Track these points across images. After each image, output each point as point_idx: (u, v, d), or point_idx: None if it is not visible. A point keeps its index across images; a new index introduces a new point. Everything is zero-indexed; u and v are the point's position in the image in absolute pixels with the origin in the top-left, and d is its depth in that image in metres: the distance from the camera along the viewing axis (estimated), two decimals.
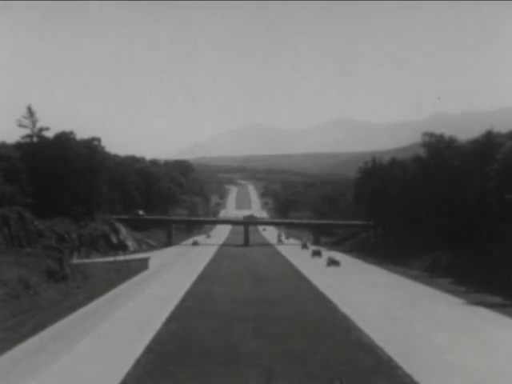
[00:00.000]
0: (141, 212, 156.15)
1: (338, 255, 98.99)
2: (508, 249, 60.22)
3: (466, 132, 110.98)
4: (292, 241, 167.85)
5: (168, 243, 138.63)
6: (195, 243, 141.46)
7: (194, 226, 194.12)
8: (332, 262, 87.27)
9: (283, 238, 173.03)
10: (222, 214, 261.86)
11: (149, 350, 30.86)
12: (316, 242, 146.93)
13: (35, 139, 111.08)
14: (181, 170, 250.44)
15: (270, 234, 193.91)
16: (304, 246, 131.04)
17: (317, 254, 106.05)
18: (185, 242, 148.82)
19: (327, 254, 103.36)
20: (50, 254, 65.28)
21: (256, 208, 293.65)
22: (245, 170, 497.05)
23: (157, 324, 38.21)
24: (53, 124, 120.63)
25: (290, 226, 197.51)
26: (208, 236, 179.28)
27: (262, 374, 26.01)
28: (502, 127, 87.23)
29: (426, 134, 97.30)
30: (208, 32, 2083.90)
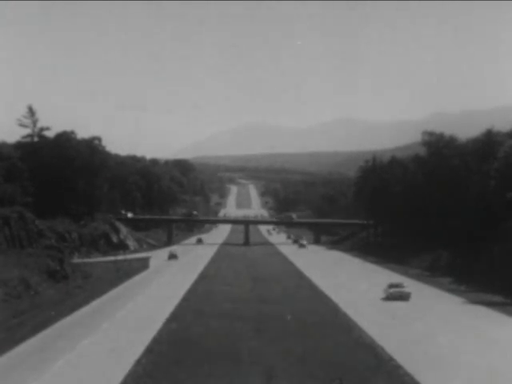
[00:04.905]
0: (293, 215, 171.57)
1: (305, 241, 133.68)
2: (508, 248, 60.15)
3: (466, 131, 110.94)
4: (282, 235, 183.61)
5: (169, 243, 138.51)
6: (172, 256, 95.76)
7: (194, 226, 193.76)
8: (301, 246, 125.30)
9: (275, 232, 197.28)
10: (222, 213, 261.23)
11: (149, 349, 30.89)
12: (316, 240, 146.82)
13: (36, 139, 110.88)
14: (181, 169, 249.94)
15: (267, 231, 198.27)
16: (301, 246, 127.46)
17: (295, 241, 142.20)
18: (185, 242, 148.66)
19: (307, 245, 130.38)
20: (50, 253, 65.16)
21: (256, 207, 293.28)
22: (245, 169, 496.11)
23: (157, 324, 38.23)
24: (53, 124, 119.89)
25: (289, 225, 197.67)
26: (199, 241, 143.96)
27: (262, 373, 26.02)
28: (501, 126, 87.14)
29: (425, 132, 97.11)
30: (208, 31, 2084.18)
